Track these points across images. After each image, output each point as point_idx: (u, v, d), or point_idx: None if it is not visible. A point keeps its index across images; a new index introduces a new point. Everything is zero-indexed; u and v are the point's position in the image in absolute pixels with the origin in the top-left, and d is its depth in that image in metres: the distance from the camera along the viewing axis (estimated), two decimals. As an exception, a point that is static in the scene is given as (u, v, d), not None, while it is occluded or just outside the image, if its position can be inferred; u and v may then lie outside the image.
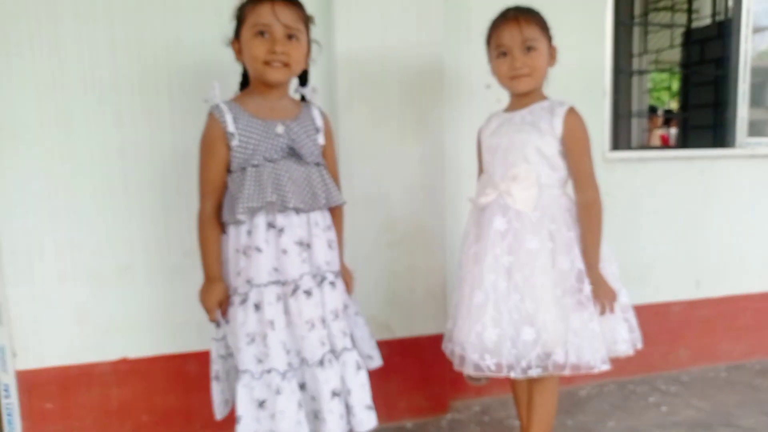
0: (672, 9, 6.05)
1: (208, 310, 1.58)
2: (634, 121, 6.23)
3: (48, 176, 1.91)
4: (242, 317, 1.50)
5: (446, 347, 1.81)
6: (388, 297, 2.20)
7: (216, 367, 1.61)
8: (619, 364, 1.66)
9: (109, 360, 2.02)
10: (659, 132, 6.84)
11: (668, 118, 6.99)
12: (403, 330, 2.23)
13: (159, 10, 1.95)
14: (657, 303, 2.66)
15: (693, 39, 3.09)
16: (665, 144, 6.80)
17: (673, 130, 6.79)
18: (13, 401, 1.94)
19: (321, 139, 1.62)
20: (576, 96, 1.82)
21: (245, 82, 1.64)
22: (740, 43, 2.74)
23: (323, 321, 1.53)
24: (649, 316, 2.57)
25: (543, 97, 1.72)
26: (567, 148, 1.64)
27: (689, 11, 3.24)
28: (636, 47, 6.12)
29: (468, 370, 1.63)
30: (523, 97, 1.71)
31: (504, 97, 1.80)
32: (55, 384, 1.98)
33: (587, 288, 1.61)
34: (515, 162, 1.66)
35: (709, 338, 2.76)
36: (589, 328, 1.60)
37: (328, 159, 1.65)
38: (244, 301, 1.50)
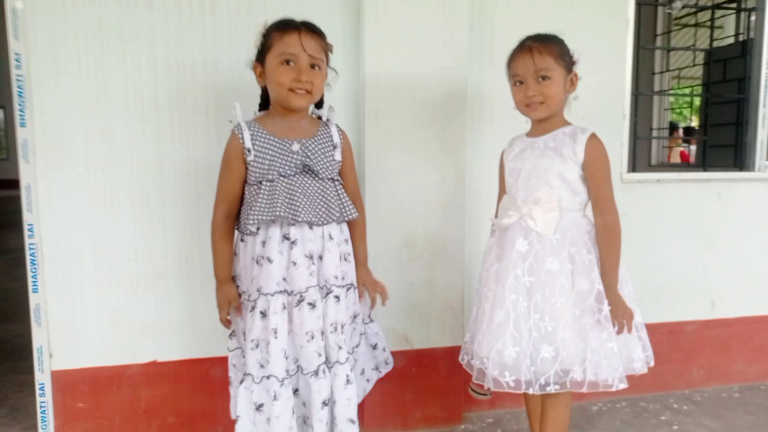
0: (695, 26, 6.01)
1: (219, 309, 1.68)
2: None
3: (89, 188, 1.97)
4: (249, 323, 1.56)
5: (463, 359, 1.84)
6: (407, 309, 2.24)
7: (231, 374, 1.70)
8: (632, 381, 1.67)
9: (140, 362, 2.08)
10: (679, 148, 6.83)
11: (688, 137, 6.96)
12: (421, 341, 2.26)
13: (198, 31, 2.01)
14: (671, 322, 2.65)
15: (715, 58, 3.06)
16: (685, 160, 6.77)
17: (694, 147, 6.77)
18: (48, 400, 2.01)
19: (338, 156, 1.66)
20: (595, 118, 1.81)
21: (265, 104, 1.71)
22: (762, 65, 2.71)
23: (322, 333, 1.59)
24: (663, 334, 2.59)
25: (565, 123, 1.74)
26: (588, 174, 1.67)
27: (711, 29, 3.22)
28: (658, 65, 6.05)
29: (488, 385, 1.66)
30: (544, 122, 1.73)
31: (532, 119, 1.83)
32: (88, 384, 2.04)
33: (606, 308, 1.63)
34: (538, 186, 1.68)
35: (723, 358, 2.75)
36: (607, 347, 1.62)
37: (347, 174, 1.70)
38: (252, 308, 1.56)
